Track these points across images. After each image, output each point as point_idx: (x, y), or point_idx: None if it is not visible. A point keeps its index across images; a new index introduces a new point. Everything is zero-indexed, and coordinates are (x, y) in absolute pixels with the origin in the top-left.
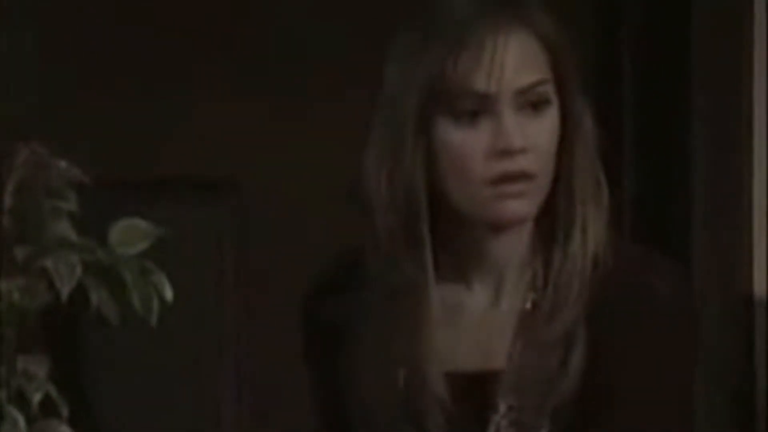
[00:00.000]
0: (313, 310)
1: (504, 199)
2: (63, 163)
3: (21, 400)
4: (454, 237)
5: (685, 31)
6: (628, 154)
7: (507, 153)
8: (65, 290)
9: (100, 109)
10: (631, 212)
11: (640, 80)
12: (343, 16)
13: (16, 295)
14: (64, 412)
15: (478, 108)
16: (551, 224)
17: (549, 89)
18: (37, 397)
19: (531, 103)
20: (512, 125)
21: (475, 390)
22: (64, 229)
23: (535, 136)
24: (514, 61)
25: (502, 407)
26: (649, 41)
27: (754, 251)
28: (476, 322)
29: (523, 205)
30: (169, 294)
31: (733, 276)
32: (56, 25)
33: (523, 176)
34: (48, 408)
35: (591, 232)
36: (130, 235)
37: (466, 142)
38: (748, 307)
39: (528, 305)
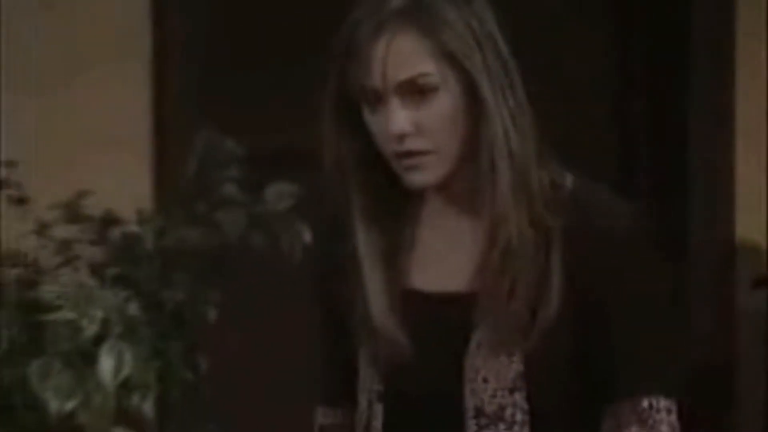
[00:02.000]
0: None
1: (408, 171)
2: (229, 142)
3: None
4: (399, 200)
5: None
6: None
7: (394, 137)
8: (233, 235)
9: (254, 91)
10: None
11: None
12: None
13: (196, 238)
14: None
15: (375, 98)
16: (479, 176)
17: (433, 79)
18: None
19: (417, 91)
20: (395, 113)
21: (455, 309)
22: (231, 190)
23: (424, 118)
24: (394, 60)
25: (481, 325)
26: None
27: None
28: (449, 251)
29: (424, 175)
30: (308, 237)
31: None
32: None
33: (414, 154)
34: None
35: (504, 174)
36: (280, 194)
37: (375, 126)
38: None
39: (484, 235)
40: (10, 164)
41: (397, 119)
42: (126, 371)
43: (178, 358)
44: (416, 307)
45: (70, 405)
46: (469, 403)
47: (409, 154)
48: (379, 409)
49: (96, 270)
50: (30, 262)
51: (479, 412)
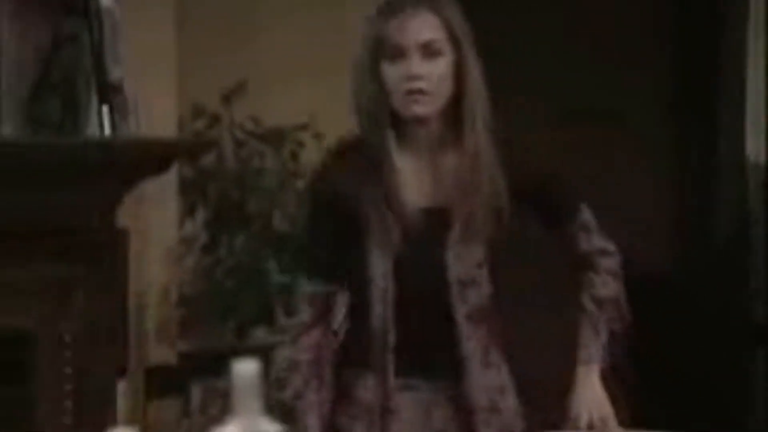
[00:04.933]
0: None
1: (413, 104)
2: None
3: None
4: (402, 126)
5: None
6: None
7: (411, 77)
8: None
9: None
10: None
11: None
12: None
13: None
14: None
15: (398, 53)
16: (455, 117)
17: (442, 46)
18: None
19: (429, 52)
20: (415, 62)
21: (436, 216)
22: None
23: (430, 70)
24: (417, 26)
25: (456, 226)
26: None
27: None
28: (430, 174)
29: (422, 108)
30: None
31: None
32: None
33: (420, 92)
34: None
35: (478, 120)
36: None
37: (394, 72)
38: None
39: (453, 160)
40: None
41: (418, 66)
42: None
43: None
44: (410, 216)
45: None
46: (453, 274)
47: (418, 91)
48: (391, 284)
49: None
50: None
51: (460, 281)
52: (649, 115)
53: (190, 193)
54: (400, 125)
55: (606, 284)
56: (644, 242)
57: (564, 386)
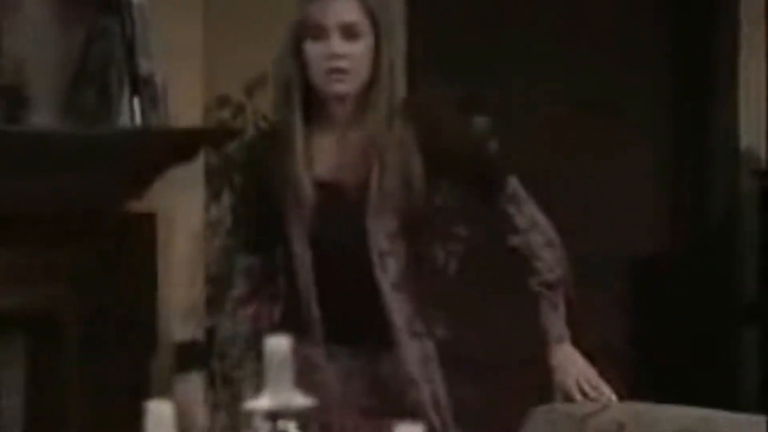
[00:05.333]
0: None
1: (333, 82)
2: None
3: None
4: (320, 104)
5: None
6: None
7: (333, 56)
8: None
9: None
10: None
11: None
12: None
13: None
14: None
15: (321, 33)
16: (370, 97)
17: (362, 28)
18: None
19: (350, 33)
20: (336, 42)
21: (352, 191)
22: None
23: (351, 50)
24: (339, 8)
25: (372, 200)
26: None
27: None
28: (346, 149)
29: (342, 86)
30: None
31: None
32: None
33: (341, 71)
34: None
35: (392, 100)
36: None
37: (316, 51)
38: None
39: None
40: None
41: (338, 45)
42: None
43: None
44: (324, 189)
45: None
46: (372, 244)
47: (338, 70)
48: (308, 254)
49: None
50: None
51: (379, 251)
52: (649, 106)
53: (216, 179)
54: (319, 103)
55: (552, 270)
56: (642, 226)
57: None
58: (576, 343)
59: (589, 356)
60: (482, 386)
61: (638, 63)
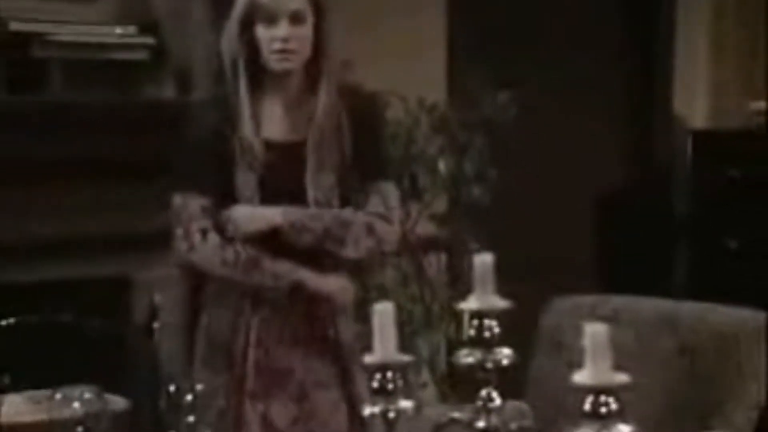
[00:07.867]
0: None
1: (280, 61)
2: None
3: None
4: (268, 79)
5: None
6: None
7: (282, 39)
8: None
9: None
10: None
11: None
12: None
13: None
14: None
15: (271, 18)
16: (314, 72)
17: (306, 13)
18: None
19: (297, 18)
20: (284, 26)
21: (295, 149)
22: None
23: (297, 33)
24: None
25: (310, 157)
26: None
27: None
28: (291, 115)
29: (289, 63)
30: None
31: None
32: None
33: (288, 51)
34: None
35: (330, 75)
36: None
37: (266, 34)
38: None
39: (310, 105)
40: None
41: (287, 30)
42: None
43: None
44: (273, 148)
45: None
46: (311, 196)
47: (285, 51)
48: (257, 197)
49: None
50: None
51: (317, 201)
52: (610, 79)
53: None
54: (268, 76)
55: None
56: (604, 167)
57: None
58: (555, 258)
59: (567, 264)
60: None
61: (602, 53)
